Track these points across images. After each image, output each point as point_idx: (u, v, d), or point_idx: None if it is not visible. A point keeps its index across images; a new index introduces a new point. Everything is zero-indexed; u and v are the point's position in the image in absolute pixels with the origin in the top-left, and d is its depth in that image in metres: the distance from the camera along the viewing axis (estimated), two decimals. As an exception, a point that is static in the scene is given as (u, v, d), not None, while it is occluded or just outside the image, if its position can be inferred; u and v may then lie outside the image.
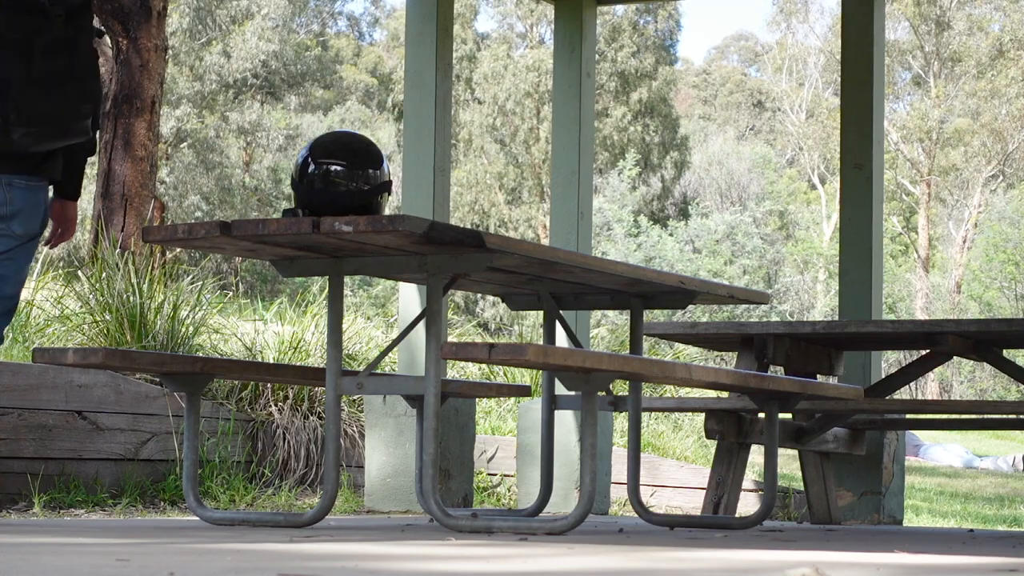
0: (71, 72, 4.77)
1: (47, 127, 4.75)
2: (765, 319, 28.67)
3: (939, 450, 18.56)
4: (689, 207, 34.83)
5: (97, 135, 5.00)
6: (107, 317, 8.05)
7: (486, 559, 3.39)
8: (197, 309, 8.33)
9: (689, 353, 16.69)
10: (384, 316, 13.69)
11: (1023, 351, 23.25)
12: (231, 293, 11.04)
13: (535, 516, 5.74)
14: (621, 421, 10.05)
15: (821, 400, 6.24)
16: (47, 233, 5.06)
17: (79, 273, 9.05)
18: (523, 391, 6.40)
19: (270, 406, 8.09)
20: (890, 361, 30.70)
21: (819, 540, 4.88)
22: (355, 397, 8.53)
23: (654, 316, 9.86)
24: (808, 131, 46.09)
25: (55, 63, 4.76)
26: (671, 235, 30.98)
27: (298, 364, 8.07)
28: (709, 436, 6.24)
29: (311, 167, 4.74)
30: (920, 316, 38.20)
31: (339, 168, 4.74)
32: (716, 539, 4.66)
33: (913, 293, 41.18)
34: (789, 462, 11.43)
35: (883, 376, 7.48)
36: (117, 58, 12.83)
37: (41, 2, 4.76)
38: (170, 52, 30.81)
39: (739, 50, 67.50)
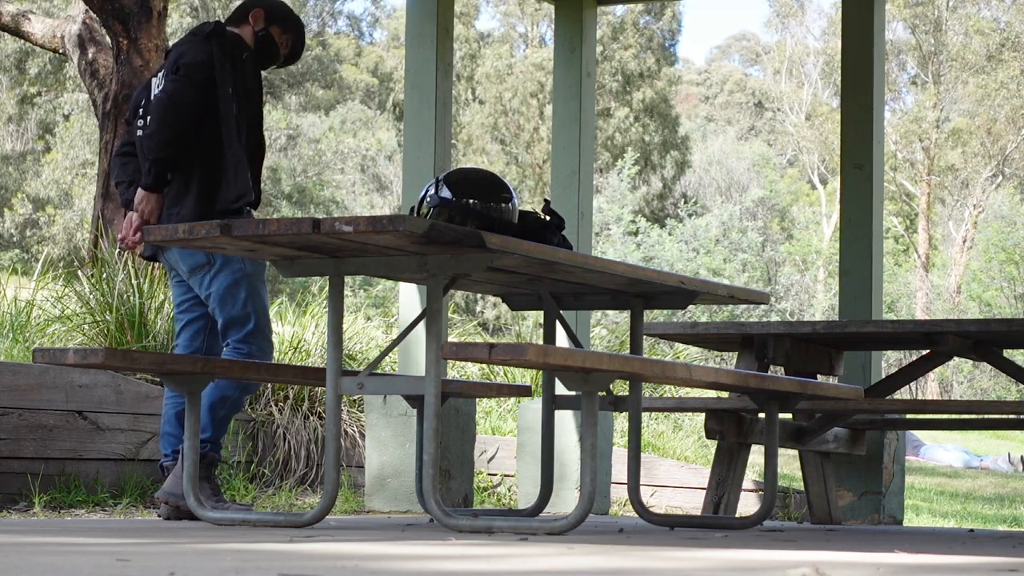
0: None
1: None
2: (765, 319, 28.66)
3: (939, 450, 18.54)
4: (678, 208, 34.78)
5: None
6: (107, 317, 8.05)
7: (486, 559, 3.40)
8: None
9: (689, 353, 16.66)
10: (384, 316, 13.68)
11: (1023, 351, 23.25)
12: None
13: (535, 516, 5.74)
14: (621, 421, 10.05)
15: (821, 400, 6.24)
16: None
17: (79, 273, 9.05)
18: (523, 391, 6.40)
19: (270, 406, 8.09)
20: (890, 361, 30.68)
21: (819, 540, 4.88)
22: (355, 397, 8.53)
23: (654, 316, 9.86)
24: (808, 131, 46.07)
25: None
26: (671, 235, 30.96)
27: (298, 364, 8.08)
28: (709, 436, 6.24)
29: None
30: (920, 316, 38.19)
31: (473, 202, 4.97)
32: (716, 539, 4.66)
33: (913, 293, 41.15)
34: (789, 462, 11.42)
35: (883, 376, 7.48)
36: (117, 58, 12.82)
37: None
38: (170, 52, 30.71)
39: (740, 50, 67.48)
